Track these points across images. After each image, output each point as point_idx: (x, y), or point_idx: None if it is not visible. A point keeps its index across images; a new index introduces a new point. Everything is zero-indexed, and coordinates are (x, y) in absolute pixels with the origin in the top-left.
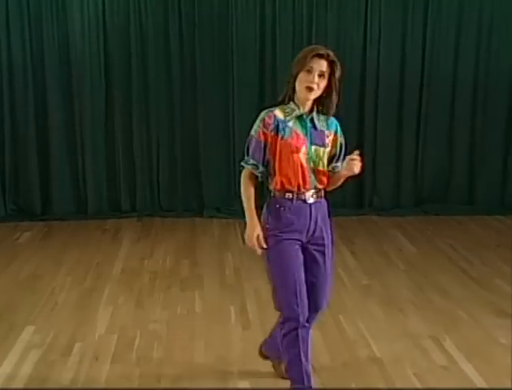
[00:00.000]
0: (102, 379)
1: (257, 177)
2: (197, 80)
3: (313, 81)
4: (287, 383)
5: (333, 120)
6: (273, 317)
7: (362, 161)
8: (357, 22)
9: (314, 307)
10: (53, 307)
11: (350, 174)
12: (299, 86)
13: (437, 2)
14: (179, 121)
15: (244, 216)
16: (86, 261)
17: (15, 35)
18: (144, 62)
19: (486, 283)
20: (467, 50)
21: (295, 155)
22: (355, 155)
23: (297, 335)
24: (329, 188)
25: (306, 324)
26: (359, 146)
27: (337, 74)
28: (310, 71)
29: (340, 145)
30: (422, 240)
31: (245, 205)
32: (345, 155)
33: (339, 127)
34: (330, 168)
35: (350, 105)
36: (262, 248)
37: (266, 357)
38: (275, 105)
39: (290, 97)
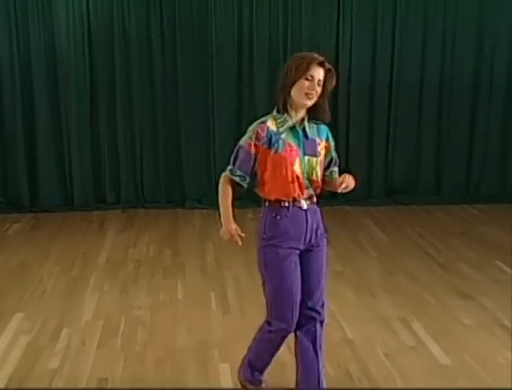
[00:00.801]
0: (89, 362)
1: (240, 186)
2: (179, 80)
3: (314, 89)
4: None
5: (324, 127)
6: (251, 302)
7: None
8: (329, 28)
9: (312, 302)
10: (41, 295)
11: (345, 191)
12: (297, 93)
13: (404, 11)
14: (161, 117)
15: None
16: (73, 250)
17: (3, 36)
18: (127, 63)
19: (451, 267)
20: (433, 56)
21: (289, 168)
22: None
23: (284, 337)
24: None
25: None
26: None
27: (332, 82)
28: (310, 79)
29: (335, 149)
30: (392, 229)
31: (222, 204)
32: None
33: (329, 134)
34: (328, 173)
35: None
36: (241, 236)
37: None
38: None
39: (285, 104)
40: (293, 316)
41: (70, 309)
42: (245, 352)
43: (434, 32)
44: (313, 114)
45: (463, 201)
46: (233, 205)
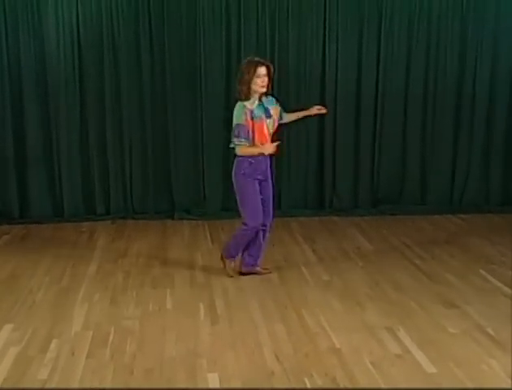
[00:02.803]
0: (78, 373)
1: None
2: (167, 91)
3: (264, 82)
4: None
5: (271, 98)
6: (240, 312)
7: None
8: (315, 43)
9: (268, 216)
10: (31, 305)
11: (308, 114)
12: (255, 86)
13: (389, 25)
14: (150, 129)
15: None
16: (63, 261)
17: None
18: (117, 73)
19: (436, 277)
20: (417, 69)
21: (264, 129)
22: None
23: (257, 232)
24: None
25: (263, 227)
26: (320, 153)
27: (271, 72)
28: (260, 77)
29: (281, 107)
30: (378, 239)
31: (255, 151)
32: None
33: (274, 100)
34: (282, 117)
35: (310, 117)
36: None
37: (222, 259)
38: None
39: (248, 93)
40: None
41: (59, 319)
42: (234, 361)
43: (418, 46)
44: (269, 91)
45: (447, 210)
46: None
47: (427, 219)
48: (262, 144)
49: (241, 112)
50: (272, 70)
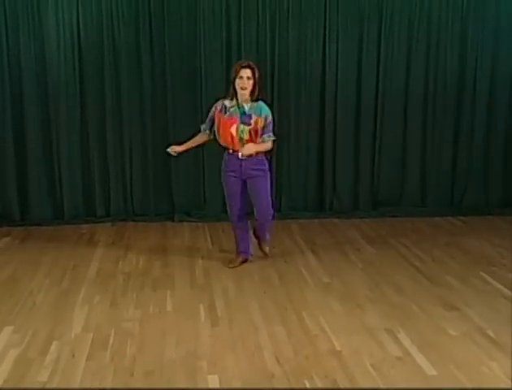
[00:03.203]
0: (78, 375)
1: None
2: (168, 92)
3: (245, 84)
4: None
5: (262, 105)
6: (240, 314)
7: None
8: (316, 43)
9: (258, 212)
10: (31, 308)
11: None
12: (237, 87)
13: (389, 25)
14: (150, 130)
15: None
16: (63, 263)
17: None
18: (117, 74)
19: (436, 279)
20: (418, 70)
21: (230, 128)
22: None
23: (235, 227)
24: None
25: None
26: (320, 155)
27: (257, 75)
28: (241, 78)
29: (265, 122)
30: (378, 241)
31: (187, 144)
32: (273, 128)
33: (263, 110)
34: (261, 138)
35: (311, 118)
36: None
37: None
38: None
39: (233, 93)
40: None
41: (59, 321)
42: (234, 363)
43: (418, 47)
44: (254, 96)
45: (448, 212)
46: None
47: (427, 221)
48: (226, 142)
49: (215, 104)
50: (257, 73)
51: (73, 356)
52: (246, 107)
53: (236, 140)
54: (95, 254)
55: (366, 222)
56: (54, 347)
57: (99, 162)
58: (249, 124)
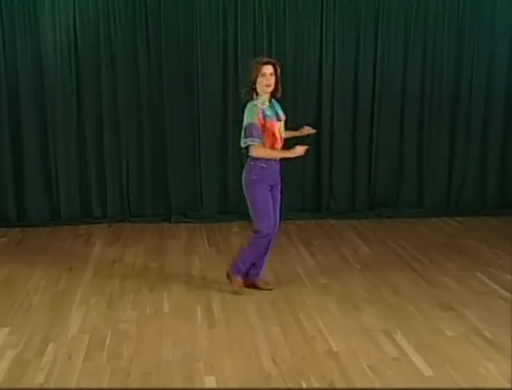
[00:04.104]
0: (75, 376)
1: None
2: (164, 93)
3: (269, 81)
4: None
5: (277, 104)
6: (237, 315)
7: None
8: (313, 44)
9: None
10: (27, 309)
11: (299, 134)
12: (260, 86)
13: (386, 26)
14: (147, 131)
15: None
16: (59, 265)
17: None
18: (113, 76)
19: (433, 280)
20: (414, 71)
21: (275, 131)
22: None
23: (270, 240)
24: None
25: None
26: (317, 156)
27: (278, 71)
28: (264, 75)
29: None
30: (375, 242)
31: (275, 154)
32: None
33: (281, 107)
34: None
35: (307, 119)
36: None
37: (228, 276)
38: (247, 101)
39: (255, 94)
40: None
41: (56, 323)
42: (231, 364)
43: (415, 48)
44: (279, 93)
45: (444, 213)
46: None
47: (423, 222)
48: (274, 146)
49: (252, 111)
50: (279, 69)
51: (70, 357)
52: (275, 104)
53: (280, 142)
54: (92, 255)
55: (363, 223)
56: (50, 348)
57: (96, 162)
58: (281, 119)
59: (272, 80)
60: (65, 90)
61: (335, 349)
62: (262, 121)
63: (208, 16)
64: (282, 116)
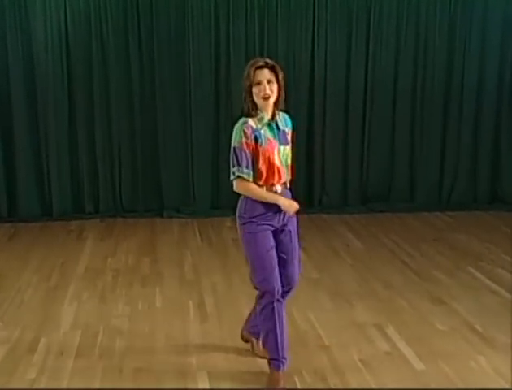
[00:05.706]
0: (67, 373)
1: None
2: (156, 92)
3: (265, 90)
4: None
5: (286, 116)
6: (229, 310)
7: None
8: (304, 41)
9: (287, 282)
10: (19, 305)
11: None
12: (256, 98)
13: (378, 21)
14: (139, 127)
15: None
16: (51, 260)
17: None
18: (105, 75)
19: (424, 274)
20: (406, 67)
21: (271, 158)
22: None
23: (273, 308)
24: None
25: (281, 299)
26: (309, 151)
27: (280, 75)
28: (259, 83)
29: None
30: (367, 236)
31: (264, 196)
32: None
33: (288, 120)
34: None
35: (299, 114)
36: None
37: (246, 340)
38: (240, 116)
39: (253, 108)
40: (275, 280)
41: (48, 319)
42: (223, 359)
43: (407, 42)
44: (281, 105)
45: (436, 208)
46: None
47: (415, 217)
48: (271, 178)
49: (240, 131)
50: (279, 70)
51: (61, 353)
52: (278, 120)
53: (283, 170)
54: (84, 251)
55: (355, 217)
56: (42, 344)
57: (88, 158)
58: (288, 143)
59: (273, 87)
60: (56, 87)
61: (327, 343)
62: (252, 145)
63: (200, 14)
64: (289, 137)
